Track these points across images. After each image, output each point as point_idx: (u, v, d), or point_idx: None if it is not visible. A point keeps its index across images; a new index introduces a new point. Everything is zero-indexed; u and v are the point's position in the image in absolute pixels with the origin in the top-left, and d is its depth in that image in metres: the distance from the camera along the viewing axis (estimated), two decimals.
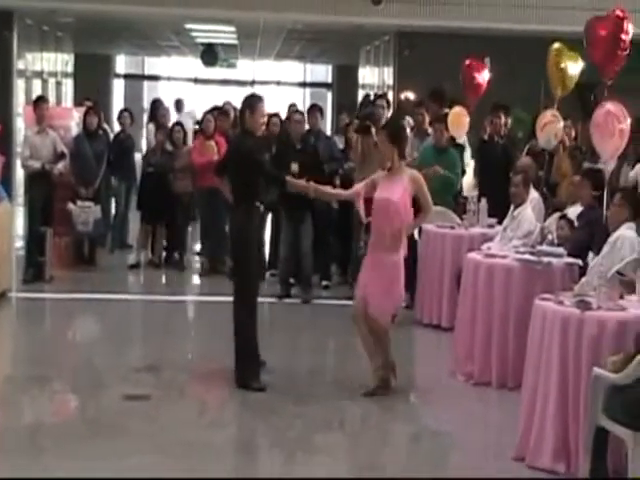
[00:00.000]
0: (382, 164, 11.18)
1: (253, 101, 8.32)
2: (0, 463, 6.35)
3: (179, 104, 20.59)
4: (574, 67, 11.56)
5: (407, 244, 10.02)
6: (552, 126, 11.44)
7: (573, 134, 11.94)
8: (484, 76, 13.37)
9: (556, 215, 9.37)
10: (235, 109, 13.40)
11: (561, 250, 8.29)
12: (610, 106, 8.71)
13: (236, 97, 18.55)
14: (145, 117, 26.47)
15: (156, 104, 14.68)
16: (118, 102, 31.35)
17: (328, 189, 8.85)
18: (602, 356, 6.02)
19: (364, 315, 7.94)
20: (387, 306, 7.99)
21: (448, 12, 17.37)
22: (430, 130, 11.47)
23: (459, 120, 12.35)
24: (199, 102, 28.59)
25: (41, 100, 12.66)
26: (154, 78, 35.67)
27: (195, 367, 8.84)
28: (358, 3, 17.01)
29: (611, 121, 8.61)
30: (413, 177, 7.93)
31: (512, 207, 9.20)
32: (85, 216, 12.55)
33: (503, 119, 12.03)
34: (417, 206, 8.14)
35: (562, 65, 11.51)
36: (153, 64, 36.59)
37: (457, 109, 12.52)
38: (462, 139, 12.24)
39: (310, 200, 11.20)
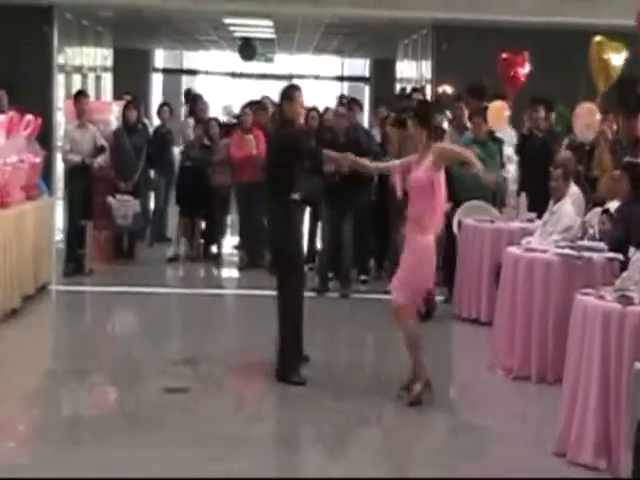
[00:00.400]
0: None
1: (291, 91, 8.32)
2: (41, 455, 6.40)
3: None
4: (617, 58, 11.47)
5: (446, 235, 10.08)
6: (588, 118, 11.36)
7: (615, 128, 11.81)
8: (522, 69, 13.27)
9: (597, 209, 9.29)
10: (273, 103, 13.40)
11: (602, 245, 8.22)
12: None
13: (274, 91, 18.58)
14: (183, 111, 26.57)
15: (195, 98, 14.69)
16: (156, 96, 31.48)
17: (364, 161, 8.78)
18: None
19: (395, 315, 7.76)
20: (411, 291, 7.67)
21: (486, 5, 17.27)
22: (469, 124, 11.41)
23: (499, 114, 12.28)
24: (237, 96, 28.69)
25: (81, 95, 12.74)
26: (192, 72, 35.76)
27: (234, 360, 8.84)
28: None
29: None
30: (435, 149, 7.75)
31: (552, 201, 9.13)
32: (124, 210, 12.61)
33: (542, 113, 11.93)
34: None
35: (605, 57, 11.42)
36: (191, 58, 36.69)
37: (498, 103, 12.46)
38: (501, 133, 12.17)
39: (350, 194, 11.26)
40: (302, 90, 8.43)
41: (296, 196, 8.19)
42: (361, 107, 12.97)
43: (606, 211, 8.75)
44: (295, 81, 32.19)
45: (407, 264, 7.67)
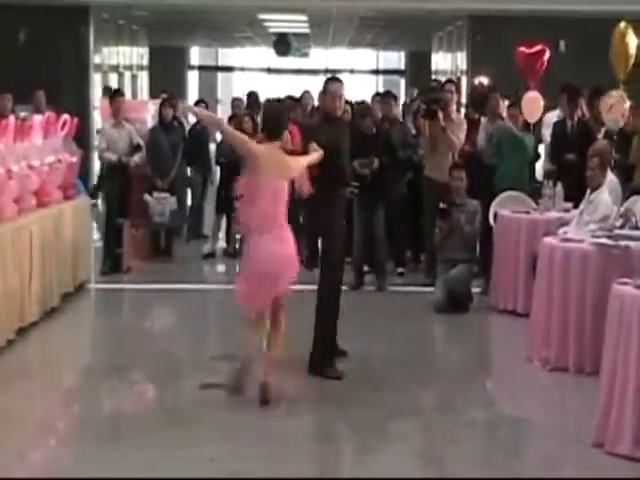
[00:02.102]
0: (452, 149, 11.19)
1: (325, 83, 8.31)
2: (80, 452, 6.44)
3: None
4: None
5: (482, 226, 10.12)
6: (619, 107, 11.29)
7: None
8: (542, 59, 13.21)
9: (636, 197, 9.22)
10: (313, 98, 13.41)
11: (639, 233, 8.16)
12: None
13: (309, 86, 18.56)
14: (219, 108, 26.73)
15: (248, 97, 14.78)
16: (193, 93, 31.62)
17: None
18: None
19: None
20: None
21: None
22: (505, 115, 11.35)
23: (534, 104, 12.23)
24: (272, 92, 28.73)
25: (117, 93, 12.81)
26: (228, 69, 35.88)
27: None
28: None
29: None
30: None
31: (588, 191, 9.07)
32: (161, 207, 12.67)
33: (581, 103, 11.87)
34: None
35: (627, 41, 11.39)
36: (226, 55, 36.82)
37: (532, 94, 12.40)
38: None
39: (383, 186, 11.26)
40: (337, 80, 8.34)
41: (349, 190, 8.18)
42: (396, 100, 12.93)
43: None
44: (330, 75, 32.24)
45: None
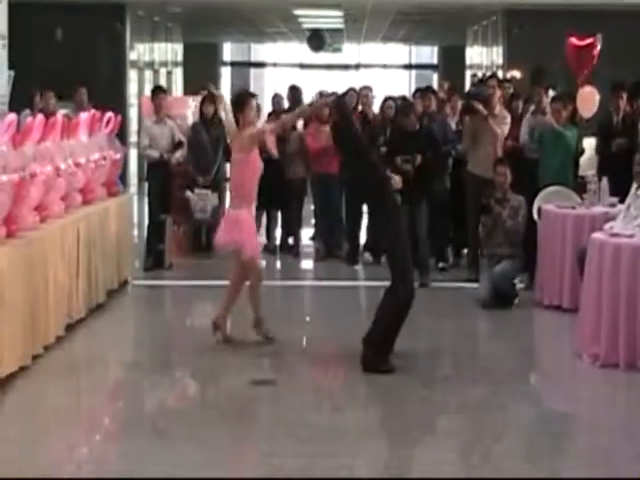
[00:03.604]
0: (495, 139, 11.16)
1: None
2: (127, 449, 6.45)
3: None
4: None
5: (526, 221, 10.12)
6: None
7: None
8: (593, 52, 13.10)
9: None
10: (358, 94, 13.34)
11: None
12: None
13: (342, 81, 18.52)
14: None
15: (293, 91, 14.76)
16: (225, 89, 31.66)
17: None
18: None
19: None
20: None
21: None
22: (548, 109, 11.30)
23: (590, 99, 12.17)
24: (305, 87, 28.70)
25: (159, 90, 12.84)
26: (260, 65, 35.91)
27: (318, 351, 8.91)
28: None
29: None
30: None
31: (635, 186, 9.02)
32: (203, 204, 12.69)
33: (624, 98, 11.81)
34: None
35: None
36: (258, 51, 36.84)
37: (587, 88, 12.34)
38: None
39: (426, 182, 11.25)
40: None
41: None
42: (435, 95, 12.91)
43: None
44: (363, 70, 32.22)
45: None
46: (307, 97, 22.94)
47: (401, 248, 8.13)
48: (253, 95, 9.28)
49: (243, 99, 9.02)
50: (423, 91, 12.94)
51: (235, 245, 8.84)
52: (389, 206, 8.17)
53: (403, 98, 12.82)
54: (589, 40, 12.86)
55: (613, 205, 9.96)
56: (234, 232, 8.77)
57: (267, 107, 15.51)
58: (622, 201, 9.44)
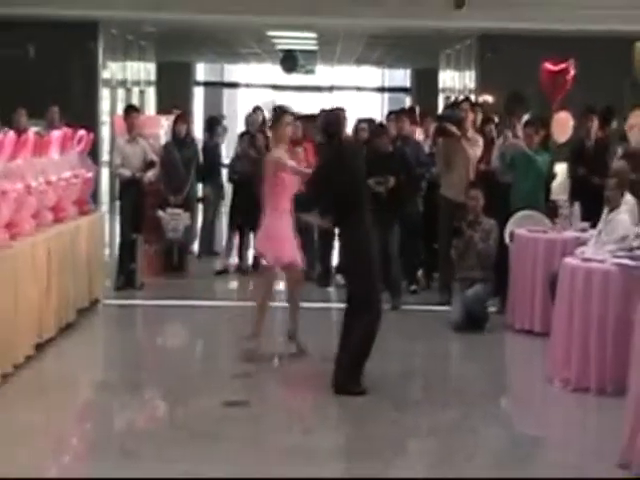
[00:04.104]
0: (467, 162, 11.22)
1: (338, 116, 8.46)
2: (96, 469, 6.41)
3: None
4: None
5: (497, 245, 10.16)
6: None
7: None
8: (567, 77, 13.19)
9: None
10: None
11: None
12: None
13: (315, 103, 18.53)
14: (226, 124, 26.59)
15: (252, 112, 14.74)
16: (198, 109, 31.68)
17: None
18: None
19: None
20: None
21: (530, 14, 17.27)
22: (521, 134, 11.35)
23: (565, 124, 12.26)
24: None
25: (131, 109, 12.81)
26: (233, 85, 35.95)
27: (290, 372, 8.88)
28: (440, 7, 16.98)
29: None
30: None
31: (606, 211, 9.08)
32: (175, 223, 12.68)
33: (595, 122, 11.90)
34: None
35: None
36: (232, 71, 36.89)
37: (562, 114, 12.43)
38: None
39: (398, 204, 11.26)
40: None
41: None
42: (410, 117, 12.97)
43: None
44: (336, 93, 32.30)
45: None
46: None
47: (363, 271, 8.03)
48: (286, 111, 9.29)
49: (277, 115, 9.16)
50: (397, 114, 12.98)
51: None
52: (353, 226, 8.11)
53: (371, 120, 12.82)
54: (563, 65, 12.93)
55: (584, 230, 10.00)
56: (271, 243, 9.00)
57: (240, 127, 15.52)
58: (593, 226, 9.50)
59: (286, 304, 9.51)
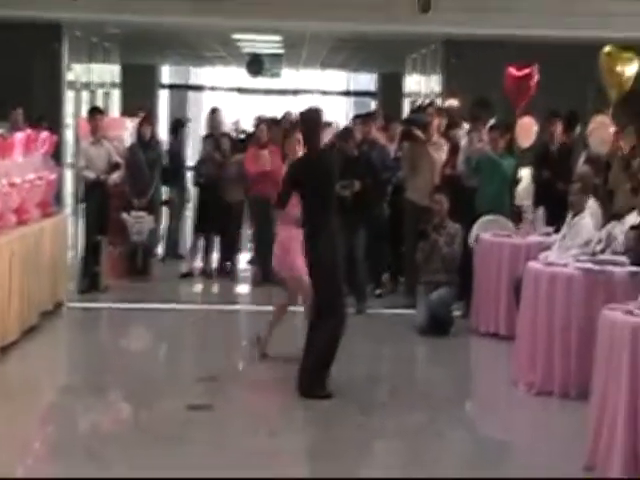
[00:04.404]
0: (433, 166, 11.26)
1: (319, 115, 8.35)
2: (59, 473, 6.37)
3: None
4: (630, 69, 11.60)
5: (464, 253, 10.17)
6: (601, 131, 11.40)
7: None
8: (531, 82, 13.22)
9: (615, 222, 9.27)
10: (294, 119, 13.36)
11: (623, 259, 8.21)
12: None
13: (280, 106, 18.49)
14: (190, 127, 26.59)
15: (211, 114, 14.65)
16: (163, 112, 31.54)
17: None
18: None
19: None
20: None
21: (496, 19, 17.33)
22: (486, 138, 11.40)
23: (529, 129, 12.33)
24: (244, 112, 28.69)
25: (96, 111, 12.76)
26: (198, 88, 35.85)
27: (255, 376, 8.86)
28: (406, 11, 17.00)
29: None
30: None
31: (570, 215, 9.13)
32: (139, 226, 12.63)
33: (559, 127, 11.98)
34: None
35: (617, 68, 11.50)
36: (197, 74, 36.78)
37: (526, 119, 12.49)
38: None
39: (364, 208, 11.27)
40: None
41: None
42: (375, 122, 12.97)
43: (635, 227, 8.66)
44: (301, 96, 32.29)
45: None
46: (246, 122, 22.96)
47: (328, 275, 8.01)
48: (295, 125, 9.49)
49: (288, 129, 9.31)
50: (364, 118, 12.98)
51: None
52: (319, 228, 8.08)
53: (328, 124, 12.81)
54: (527, 70, 12.98)
55: (548, 234, 10.06)
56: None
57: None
58: (557, 230, 9.55)
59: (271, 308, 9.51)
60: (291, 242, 8.76)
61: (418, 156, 11.54)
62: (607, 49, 12.43)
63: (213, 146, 13.47)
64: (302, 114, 8.52)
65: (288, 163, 9.16)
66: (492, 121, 12.01)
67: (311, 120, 8.27)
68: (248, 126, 22.19)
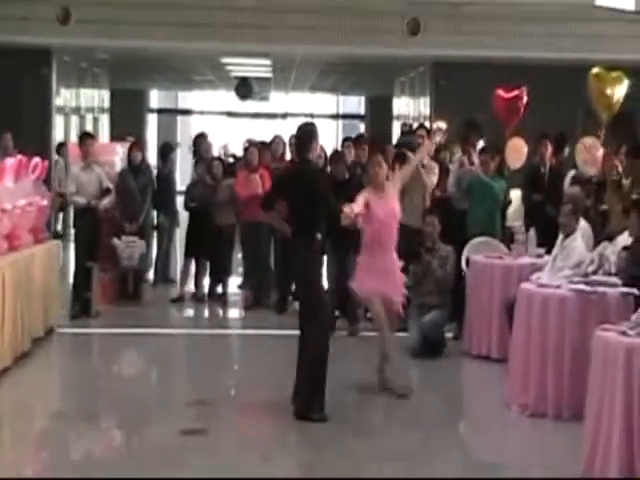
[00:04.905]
0: (424, 188, 11.28)
1: (315, 129, 8.37)
2: None
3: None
4: (619, 90, 11.67)
5: (454, 271, 10.23)
6: (589, 154, 11.46)
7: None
8: (520, 104, 13.26)
9: (606, 243, 9.29)
10: (284, 143, 13.40)
11: (615, 280, 8.22)
12: None
13: (269, 130, 18.49)
14: (179, 151, 26.67)
15: (199, 139, 14.66)
16: (152, 137, 31.59)
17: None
18: None
19: None
20: None
21: (484, 42, 17.43)
22: (476, 160, 11.42)
23: (519, 151, 12.37)
24: (233, 135, 28.75)
25: (86, 136, 12.75)
26: (187, 112, 35.91)
27: (247, 400, 8.84)
28: (395, 35, 17.08)
29: None
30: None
31: (561, 237, 9.15)
32: (130, 251, 12.61)
33: (549, 148, 12.03)
34: None
35: (607, 90, 11.57)
36: (186, 98, 36.84)
37: (516, 140, 12.54)
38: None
39: (355, 232, 11.24)
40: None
41: (318, 235, 8.20)
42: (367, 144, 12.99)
43: (627, 248, 8.67)
44: (290, 119, 32.36)
45: None
46: (235, 145, 23.00)
47: (313, 278, 8.14)
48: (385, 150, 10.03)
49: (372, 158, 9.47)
50: (356, 140, 12.99)
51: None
52: (306, 239, 8.13)
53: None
54: (516, 92, 13.03)
55: (540, 256, 10.07)
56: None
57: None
58: (549, 252, 9.56)
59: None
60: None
61: (410, 179, 11.53)
62: (595, 70, 12.50)
63: (204, 169, 13.47)
64: (299, 127, 8.53)
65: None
66: (481, 142, 12.04)
67: (307, 133, 8.30)
68: (237, 150, 22.25)
